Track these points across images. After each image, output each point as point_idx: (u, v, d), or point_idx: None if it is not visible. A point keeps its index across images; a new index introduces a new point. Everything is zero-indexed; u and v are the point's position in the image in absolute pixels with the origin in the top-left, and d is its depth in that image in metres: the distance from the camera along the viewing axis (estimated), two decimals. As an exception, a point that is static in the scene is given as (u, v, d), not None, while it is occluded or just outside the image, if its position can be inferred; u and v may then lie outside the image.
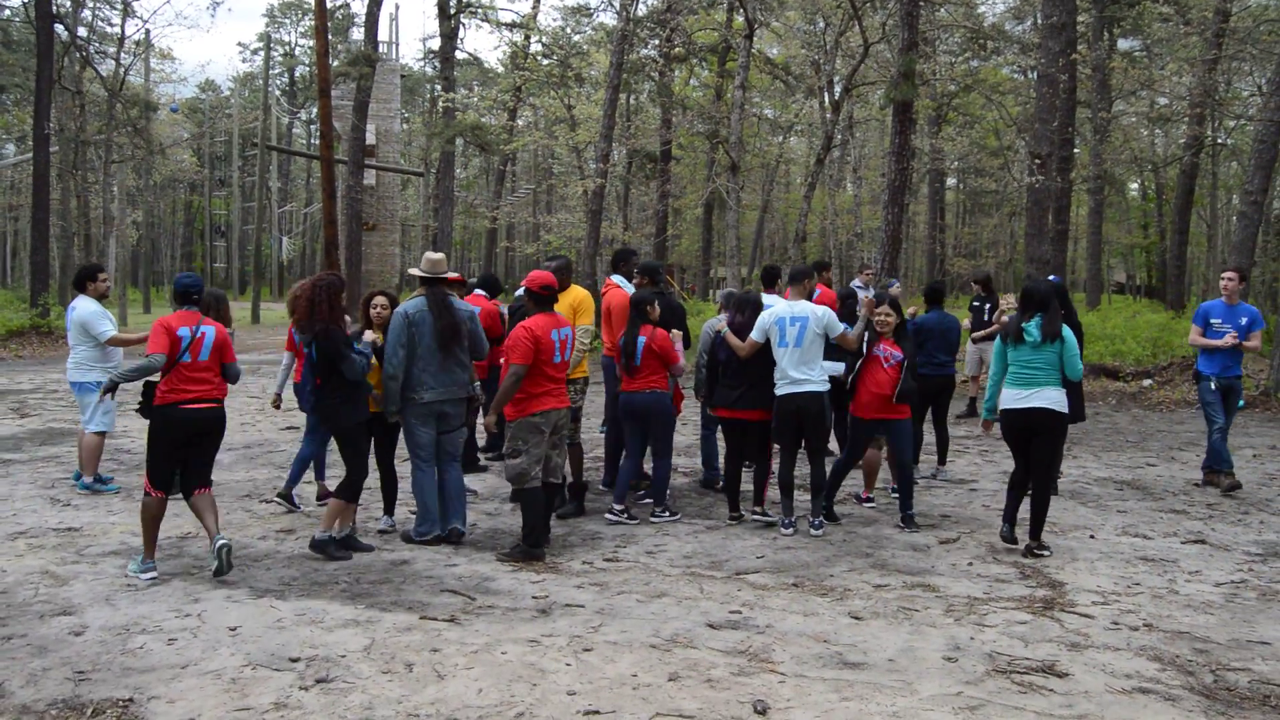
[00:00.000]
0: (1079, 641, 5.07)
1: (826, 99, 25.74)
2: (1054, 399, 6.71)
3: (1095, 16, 26.72)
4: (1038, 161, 17.98)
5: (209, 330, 6.10)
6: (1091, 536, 7.31)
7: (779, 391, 7.35)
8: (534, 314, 6.67)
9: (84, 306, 8.38)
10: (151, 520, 5.99)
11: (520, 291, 7.20)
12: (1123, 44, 33.19)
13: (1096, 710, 4.24)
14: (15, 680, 4.40)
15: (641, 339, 7.47)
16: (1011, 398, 6.83)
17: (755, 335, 7.39)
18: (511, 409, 6.56)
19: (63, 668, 4.55)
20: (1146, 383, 15.09)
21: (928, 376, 8.68)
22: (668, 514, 7.67)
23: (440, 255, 7.14)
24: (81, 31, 30.20)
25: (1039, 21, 23.69)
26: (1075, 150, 25.95)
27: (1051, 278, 10.08)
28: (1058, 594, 5.88)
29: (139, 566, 5.96)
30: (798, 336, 7.25)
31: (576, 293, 7.80)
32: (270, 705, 4.18)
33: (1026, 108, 26.83)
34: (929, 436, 9.43)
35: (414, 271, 7.14)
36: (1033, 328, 6.78)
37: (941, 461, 9.47)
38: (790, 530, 7.31)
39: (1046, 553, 6.70)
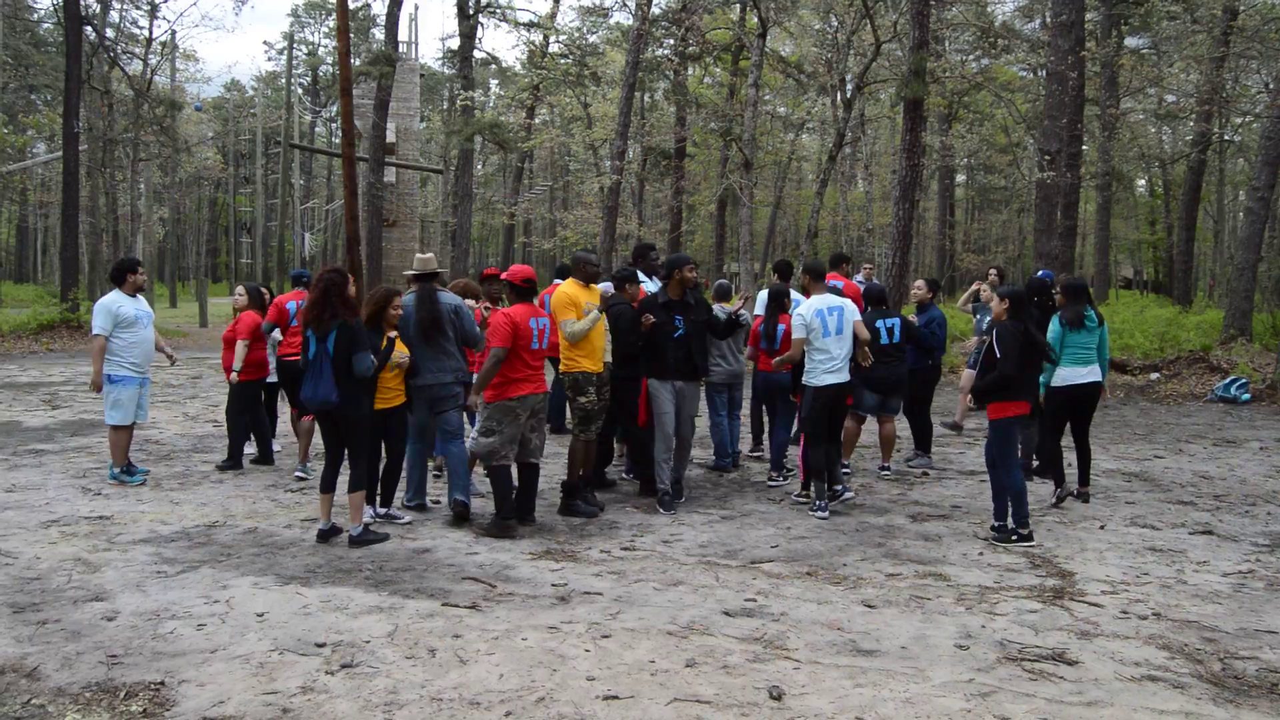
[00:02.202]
0: (1089, 630, 5.13)
1: (838, 97, 25.72)
2: (1101, 373, 8.17)
3: (1104, 14, 26.60)
4: (1047, 158, 17.97)
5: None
6: (1101, 527, 7.37)
7: (822, 382, 7.59)
8: (514, 304, 7.19)
9: (102, 298, 8.45)
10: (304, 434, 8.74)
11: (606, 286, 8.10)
12: (1131, 41, 33.00)
13: (1106, 697, 4.30)
14: (50, 664, 4.52)
15: (781, 326, 8.68)
16: (1074, 375, 8.02)
17: (798, 334, 7.58)
18: (490, 392, 7.04)
19: (96, 652, 4.67)
20: (1154, 376, 15.09)
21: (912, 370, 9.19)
22: (781, 479, 8.74)
23: (430, 255, 7.78)
24: (109, 33, 30.51)
25: (1048, 20, 23.61)
26: (1084, 147, 25.84)
27: (1041, 273, 10.26)
28: (1067, 583, 5.95)
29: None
30: (838, 325, 7.58)
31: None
32: (297, 689, 4.28)
33: (1035, 105, 26.74)
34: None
35: (407, 273, 7.77)
36: (1090, 315, 8.03)
37: (924, 449, 9.77)
38: (825, 514, 7.45)
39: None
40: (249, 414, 9.19)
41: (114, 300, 8.38)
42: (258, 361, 9.07)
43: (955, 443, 11.06)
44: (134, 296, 8.53)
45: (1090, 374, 8.03)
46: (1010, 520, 6.93)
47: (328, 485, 6.72)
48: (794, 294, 9.33)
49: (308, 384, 6.53)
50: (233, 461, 9.11)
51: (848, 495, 7.82)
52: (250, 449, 9.43)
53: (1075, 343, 8.01)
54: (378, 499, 7.23)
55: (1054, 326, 8.06)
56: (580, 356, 7.61)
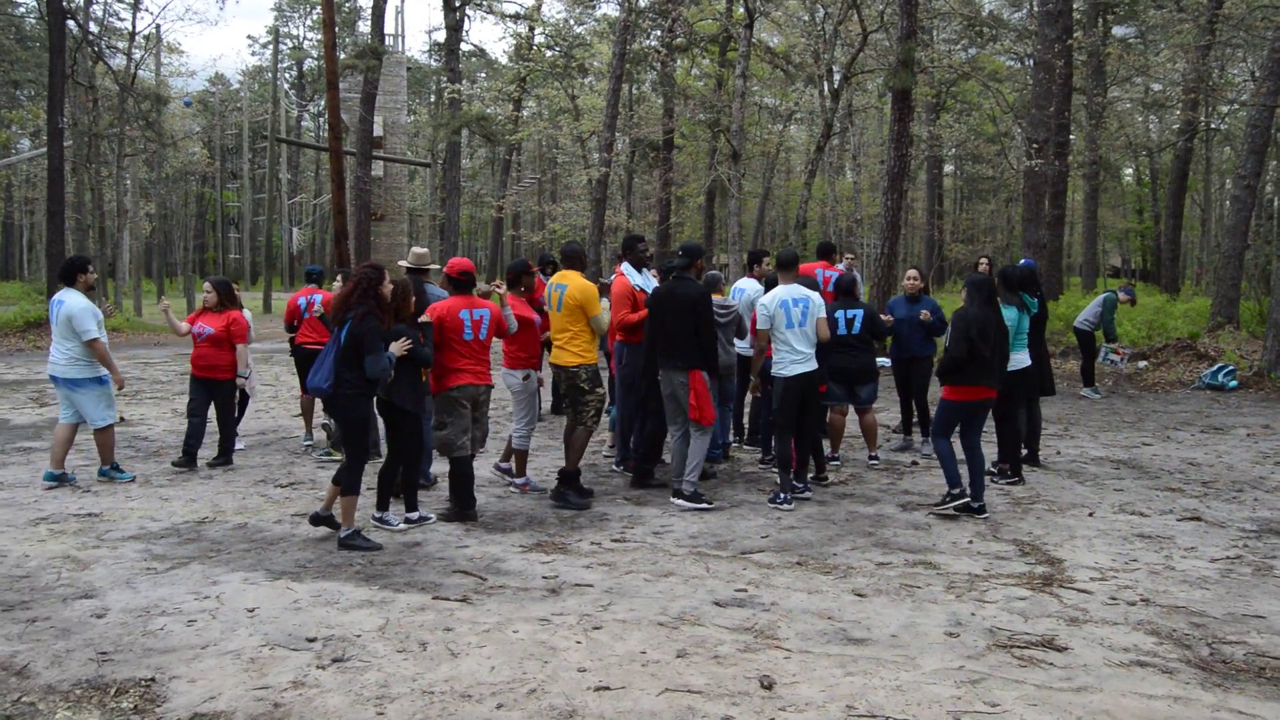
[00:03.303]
0: (1078, 616, 5.16)
1: (826, 87, 25.73)
2: (1029, 359, 8.65)
3: (1090, 3, 26.68)
4: (1034, 147, 18.03)
5: (316, 298, 9.48)
6: (1090, 514, 7.42)
7: (787, 372, 7.59)
8: (452, 295, 7.32)
9: (72, 301, 7.99)
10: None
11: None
12: (1117, 30, 33.09)
13: (1095, 683, 4.33)
14: (40, 661, 4.51)
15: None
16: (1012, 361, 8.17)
17: (761, 325, 7.60)
18: (433, 384, 7.19)
19: (86, 649, 4.66)
20: (1142, 364, 15.18)
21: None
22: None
23: (425, 250, 7.96)
24: (93, 27, 30.28)
25: (1035, 9, 23.67)
26: (1071, 136, 25.96)
27: (1023, 261, 10.45)
28: (1056, 570, 5.98)
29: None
30: (802, 317, 7.53)
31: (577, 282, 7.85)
32: (288, 684, 4.28)
33: (1023, 94, 26.80)
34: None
35: (402, 264, 7.89)
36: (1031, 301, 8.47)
37: (908, 433, 10.01)
38: (791, 506, 7.48)
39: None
40: (202, 414, 9.07)
41: (86, 301, 8.07)
42: (229, 363, 9.03)
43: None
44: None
45: (1020, 360, 8.45)
46: (960, 484, 7.43)
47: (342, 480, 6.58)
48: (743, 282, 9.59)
49: (313, 368, 6.54)
50: (224, 458, 9.09)
51: (805, 494, 7.83)
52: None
53: (1022, 329, 8.45)
54: (376, 502, 7.14)
55: (1010, 315, 8.21)
56: (594, 348, 7.70)
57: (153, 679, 4.33)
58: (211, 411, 9.08)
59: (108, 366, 8.15)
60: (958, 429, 7.49)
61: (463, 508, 7.16)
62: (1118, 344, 14.67)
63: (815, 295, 7.75)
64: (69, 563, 6.02)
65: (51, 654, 4.60)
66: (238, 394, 9.38)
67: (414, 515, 7.07)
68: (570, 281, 7.78)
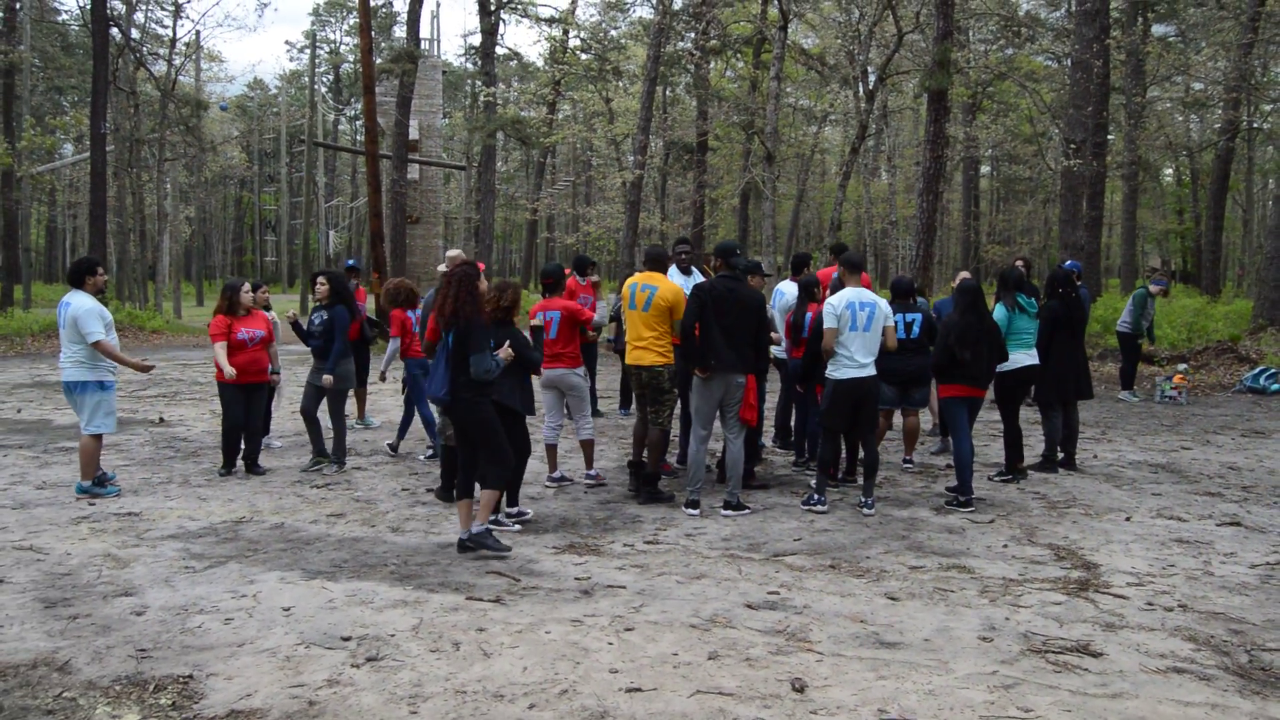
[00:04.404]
0: (1114, 622, 5.11)
1: (861, 89, 25.60)
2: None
3: (1129, 2, 26.33)
4: (1072, 147, 17.84)
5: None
6: (1127, 519, 7.33)
7: (842, 375, 7.48)
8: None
9: (79, 302, 7.81)
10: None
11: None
12: (1157, 29, 32.64)
13: (1131, 689, 4.28)
14: (81, 657, 4.59)
15: (809, 315, 8.72)
16: (1018, 359, 8.46)
17: (829, 323, 7.48)
18: None
19: (125, 646, 4.73)
20: (1181, 367, 14.96)
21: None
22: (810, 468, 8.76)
23: (459, 252, 8.17)
24: (135, 34, 30.78)
25: (1073, 8, 23.42)
26: (1109, 136, 25.64)
27: (1069, 264, 10.40)
28: (1092, 575, 5.92)
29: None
30: (867, 322, 7.44)
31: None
32: (323, 682, 4.32)
33: (1061, 94, 26.50)
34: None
35: (440, 268, 8.11)
36: (1031, 302, 8.54)
37: (944, 435, 9.92)
38: (825, 509, 7.44)
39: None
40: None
41: (94, 303, 7.87)
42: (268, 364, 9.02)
43: (978, 435, 11.00)
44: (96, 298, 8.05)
45: (1030, 357, 8.57)
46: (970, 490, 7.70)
47: (465, 490, 6.49)
48: (787, 285, 9.54)
49: (430, 377, 6.59)
50: (334, 457, 9.06)
51: (868, 512, 7.50)
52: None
53: (1019, 329, 8.51)
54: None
55: (999, 312, 8.42)
56: (673, 350, 7.75)
57: (190, 676, 4.39)
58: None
59: (120, 361, 7.95)
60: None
61: (445, 489, 7.65)
62: (1180, 373, 14.33)
63: (883, 301, 7.64)
64: (109, 561, 6.11)
65: (92, 650, 4.67)
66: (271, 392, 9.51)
67: (512, 510, 7.20)
68: (660, 284, 7.80)
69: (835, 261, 10.08)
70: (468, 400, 6.34)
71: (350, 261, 11.45)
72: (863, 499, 7.57)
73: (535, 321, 7.54)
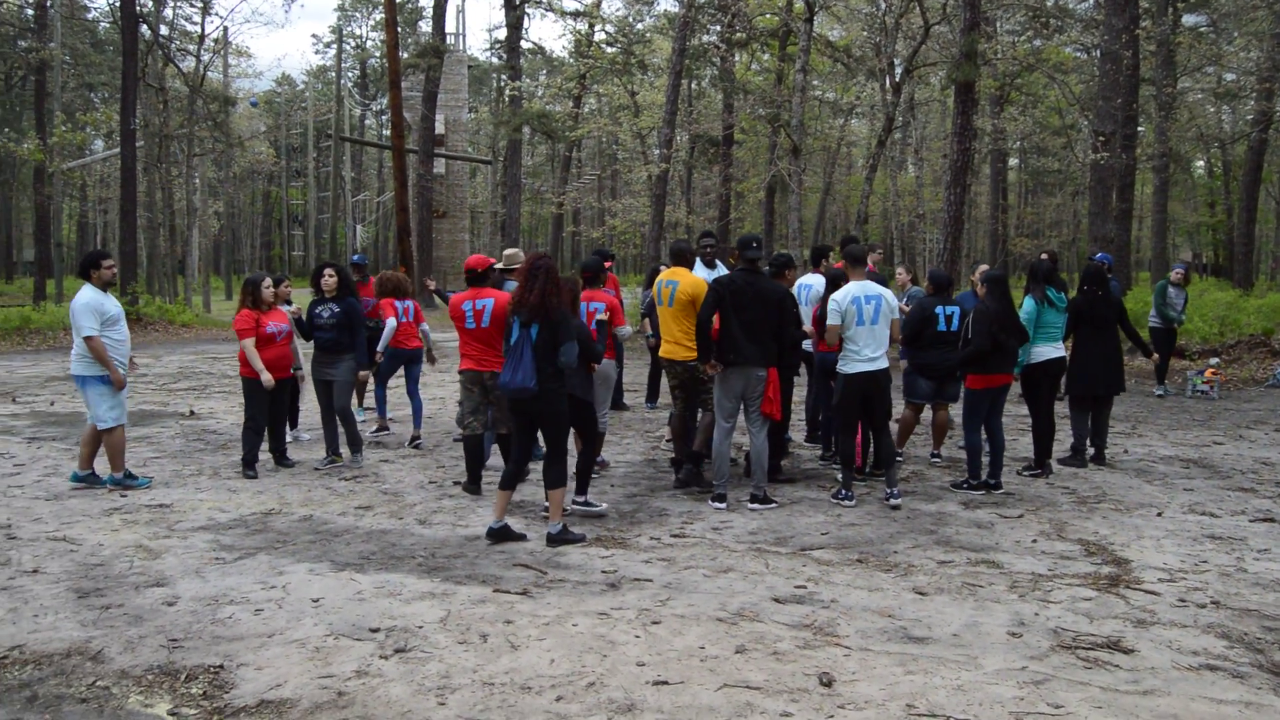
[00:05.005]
0: (1145, 618, 5.06)
1: (887, 81, 25.45)
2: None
3: (1159, -9, 25.99)
4: (1101, 140, 17.66)
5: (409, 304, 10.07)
6: (1158, 514, 7.26)
7: (851, 369, 7.48)
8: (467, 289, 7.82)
9: (79, 296, 7.74)
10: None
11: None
12: (1188, 19, 32.20)
13: (1163, 686, 4.24)
14: (114, 647, 4.64)
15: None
16: (1045, 352, 8.53)
17: (832, 319, 7.47)
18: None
19: (157, 635, 4.78)
20: (1214, 361, 14.77)
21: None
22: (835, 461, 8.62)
23: (516, 250, 8.85)
24: (164, 30, 31.03)
25: (1101, -1, 23.15)
26: (1139, 128, 25.37)
27: (1100, 256, 10.36)
28: (1123, 571, 5.87)
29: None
30: (874, 316, 7.39)
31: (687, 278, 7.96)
32: (352, 673, 4.35)
33: (1090, 86, 26.24)
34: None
35: (498, 266, 8.42)
36: (1060, 297, 8.56)
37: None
38: (853, 503, 7.41)
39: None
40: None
41: (94, 297, 7.72)
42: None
43: (1008, 430, 10.91)
44: (104, 291, 7.90)
45: (1056, 350, 8.61)
46: (980, 475, 7.98)
47: (509, 481, 6.55)
48: (809, 278, 9.43)
49: (505, 370, 6.43)
50: (352, 450, 9.01)
51: (895, 501, 7.49)
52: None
53: (1047, 322, 8.56)
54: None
55: (1028, 305, 8.50)
56: None
57: (221, 666, 4.44)
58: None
59: (105, 364, 7.69)
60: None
61: (470, 482, 7.80)
62: (1212, 367, 14.13)
63: (889, 294, 7.60)
64: (141, 552, 6.17)
65: (125, 640, 4.72)
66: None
67: (580, 499, 7.29)
68: (681, 278, 7.85)
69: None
70: (553, 391, 6.41)
71: (356, 257, 11.43)
72: (888, 490, 7.54)
73: (601, 316, 7.68)
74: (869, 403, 7.55)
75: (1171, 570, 5.88)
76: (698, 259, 8.72)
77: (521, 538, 6.49)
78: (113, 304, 7.91)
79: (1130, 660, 4.52)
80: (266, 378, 8.34)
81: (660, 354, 8.15)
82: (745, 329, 7.27)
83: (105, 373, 7.71)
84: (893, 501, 7.43)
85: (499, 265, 8.41)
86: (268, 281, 8.72)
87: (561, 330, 6.32)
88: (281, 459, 8.87)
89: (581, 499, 7.26)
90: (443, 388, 14.10)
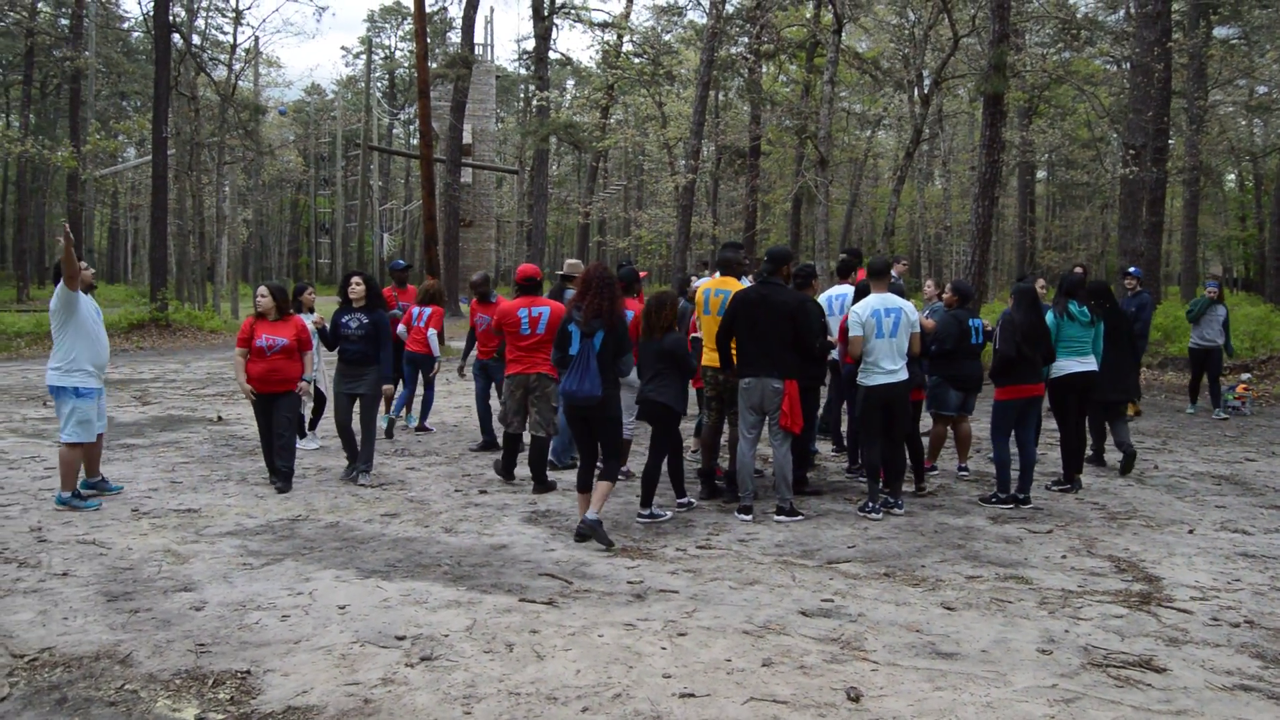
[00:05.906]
0: (1177, 637, 4.99)
1: (915, 93, 25.39)
2: (1095, 364, 8.65)
3: (1191, 4, 25.81)
4: (1132, 153, 17.52)
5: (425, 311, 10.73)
6: (1190, 531, 7.17)
7: (872, 382, 7.49)
8: (518, 296, 8.38)
9: (52, 300, 7.53)
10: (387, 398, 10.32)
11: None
12: (1220, 31, 31.91)
13: (1196, 706, 4.18)
14: (142, 651, 4.67)
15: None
16: (1067, 366, 8.49)
17: (854, 331, 7.48)
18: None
19: (185, 640, 4.80)
20: (1245, 376, 14.59)
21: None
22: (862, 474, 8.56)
23: (577, 261, 9.56)
24: (196, 40, 31.35)
25: (1133, 10, 22.99)
26: (1170, 141, 25.11)
27: (1133, 270, 10.35)
28: (1155, 588, 5.79)
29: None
30: (893, 328, 7.38)
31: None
32: (378, 680, 4.36)
33: (1120, 98, 26.06)
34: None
35: (558, 273, 9.28)
36: (1083, 311, 8.51)
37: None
38: (880, 515, 7.39)
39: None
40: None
41: (59, 301, 7.44)
42: (298, 374, 8.51)
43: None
44: (85, 294, 7.65)
45: (1082, 364, 8.54)
46: (1009, 489, 7.96)
47: (584, 484, 6.87)
48: (838, 289, 9.46)
49: (570, 378, 6.63)
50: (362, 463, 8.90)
51: (897, 510, 7.57)
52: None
53: (1069, 336, 8.50)
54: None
55: (1048, 320, 8.42)
56: None
57: (248, 671, 4.44)
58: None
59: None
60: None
61: (505, 473, 8.49)
62: (1243, 383, 13.94)
63: (909, 306, 7.61)
64: (169, 556, 6.21)
65: (153, 644, 4.75)
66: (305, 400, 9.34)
67: (683, 500, 7.73)
68: (732, 289, 7.85)
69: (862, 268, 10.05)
70: (613, 398, 6.71)
71: (397, 263, 11.82)
72: (888, 500, 7.61)
73: (695, 334, 8.05)
74: (890, 413, 7.54)
75: (1204, 588, 5.81)
76: (717, 270, 8.67)
77: (609, 543, 6.55)
78: (91, 305, 7.73)
79: (1163, 679, 4.46)
80: (246, 389, 8.16)
81: (703, 362, 8.14)
82: (757, 342, 7.30)
83: (77, 386, 7.39)
84: (895, 511, 7.53)
85: (560, 273, 9.07)
86: (262, 291, 8.45)
87: (624, 341, 6.64)
88: (274, 473, 8.33)
89: (685, 500, 7.75)
90: (467, 395, 14.12)
